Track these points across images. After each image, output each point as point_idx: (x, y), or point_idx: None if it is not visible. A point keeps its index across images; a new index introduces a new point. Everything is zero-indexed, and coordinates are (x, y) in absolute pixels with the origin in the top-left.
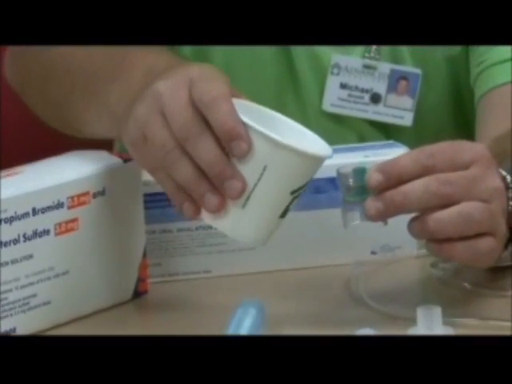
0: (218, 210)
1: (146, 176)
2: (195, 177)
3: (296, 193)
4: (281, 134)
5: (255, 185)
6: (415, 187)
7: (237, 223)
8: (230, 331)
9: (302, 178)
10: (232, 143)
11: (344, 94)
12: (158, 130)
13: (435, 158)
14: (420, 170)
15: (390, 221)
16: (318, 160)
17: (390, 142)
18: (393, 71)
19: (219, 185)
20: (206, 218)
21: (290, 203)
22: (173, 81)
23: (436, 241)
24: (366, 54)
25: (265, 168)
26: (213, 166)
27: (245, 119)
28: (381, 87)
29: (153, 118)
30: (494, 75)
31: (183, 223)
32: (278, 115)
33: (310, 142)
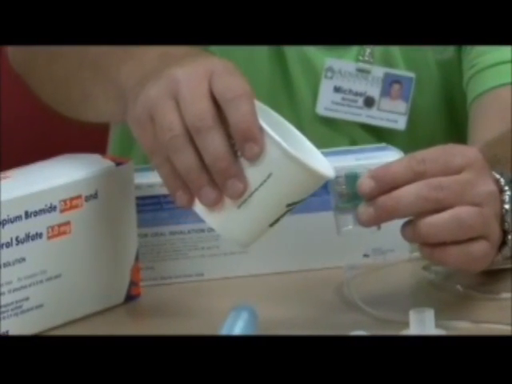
0: (214, 205)
1: (139, 179)
2: (197, 167)
3: (291, 206)
4: (291, 147)
5: (256, 189)
6: (407, 192)
7: (228, 222)
8: (222, 334)
9: (301, 193)
10: (246, 144)
11: (338, 97)
12: (167, 113)
13: (427, 163)
14: (412, 175)
15: (383, 224)
16: (322, 179)
17: (382, 145)
18: (386, 75)
19: (221, 181)
20: (199, 210)
21: (283, 215)
22: (192, 69)
23: (429, 245)
24: (360, 58)
25: (269, 175)
26: (219, 161)
27: (262, 124)
28: (374, 91)
29: (164, 101)
30: (486, 78)
31: (175, 226)
32: (292, 128)
33: (315, 160)
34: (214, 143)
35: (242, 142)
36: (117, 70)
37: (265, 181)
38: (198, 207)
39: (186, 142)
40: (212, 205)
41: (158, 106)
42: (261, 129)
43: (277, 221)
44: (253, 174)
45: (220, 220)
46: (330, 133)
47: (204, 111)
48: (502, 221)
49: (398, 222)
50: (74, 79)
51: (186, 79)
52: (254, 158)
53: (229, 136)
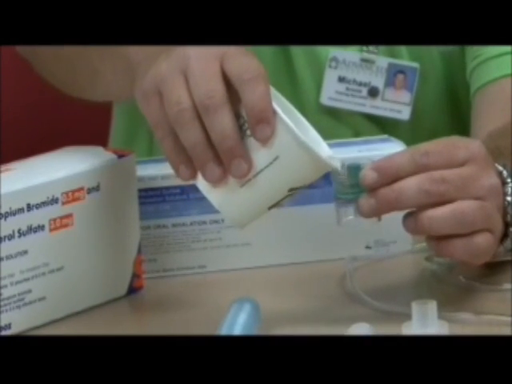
0: (217, 181)
1: (141, 172)
2: (203, 142)
3: (293, 191)
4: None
5: (260, 171)
6: (408, 185)
7: (229, 200)
8: (224, 328)
9: (305, 179)
10: (258, 125)
11: (342, 87)
12: (176, 87)
13: (430, 156)
14: (415, 168)
15: (385, 216)
16: (327, 168)
17: (385, 136)
18: (391, 65)
19: (226, 160)
20: (200, 185)
21: (283, 199)
22: (204, 48)
23: (434, 238)
24: (364, 48)
25: (276, 158)
26: (226, 140)
27: (276, 107)
28: (379, 81)
29: (174, 76)
30: (490, 69)
31: (178, 219)
32: (299, 115)
33: (320, 149)
34: (222, 122)
35: (255, 123)
36: (125, 46)
37: (271, 163)
38: (201, 183)
39: (194, 117)
40: (215, 181)
41: (168, 80)
42: (273, 112)
43: (276, 204)
44: (259, 155)
45: (221, 197)
46: (334, 123)
47: (214, 90)
48: (505, 213)
49: (400, 214)
50: (80, 55)
51: (197, 57)
52: (265, 140)
53: (236, 116)
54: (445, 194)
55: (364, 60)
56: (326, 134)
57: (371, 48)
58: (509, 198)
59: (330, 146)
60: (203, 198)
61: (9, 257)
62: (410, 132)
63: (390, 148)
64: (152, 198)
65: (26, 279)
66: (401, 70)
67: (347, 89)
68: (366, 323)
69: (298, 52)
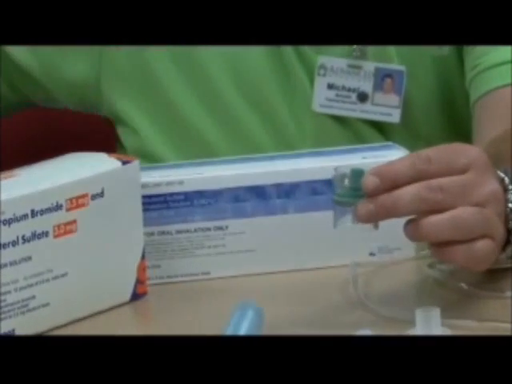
0: None
1: (145, 178)
2: None
3: None
4: None
5: None
6: (406, 192)
7: None
8: (228, 333)
9: None
10: None
11: (332, 94)
12: None
13: (431, 162)
14: (415, 174)
15: (388, 222)
16: None
17: (389, 143)
18: (377, 69)
19: None
20: None
21: None
22: None
23: (436, 244)
24: (354, 54)
25: None
26: None
27: None
28: (367, 86)
29: None
30: (490, 78)
31: (182, 225)
32: None
33: None
34: None
35: None
36: None
37: None
38: None
39: None
40: None
41: None
42: None
43: None
44: None
45: None
46: (333, 127)
47: None
48: (507, 220)
49: (404, 221)
50: None
51: None
52: None
53: None
54: (442, 202)
55: (351, 66)
56: (326, 137)
57: (358, 52)
58: (511, 205)
59: (334, 152)
60: (207, 205)
61: (12, 263)
62: (405, 132)
63: (394, 155)
64: (156, 204)
65: (30, 285)
66: (388, 74)
67: (337, 95)
68: (370, 329)
69: (292, 59)
